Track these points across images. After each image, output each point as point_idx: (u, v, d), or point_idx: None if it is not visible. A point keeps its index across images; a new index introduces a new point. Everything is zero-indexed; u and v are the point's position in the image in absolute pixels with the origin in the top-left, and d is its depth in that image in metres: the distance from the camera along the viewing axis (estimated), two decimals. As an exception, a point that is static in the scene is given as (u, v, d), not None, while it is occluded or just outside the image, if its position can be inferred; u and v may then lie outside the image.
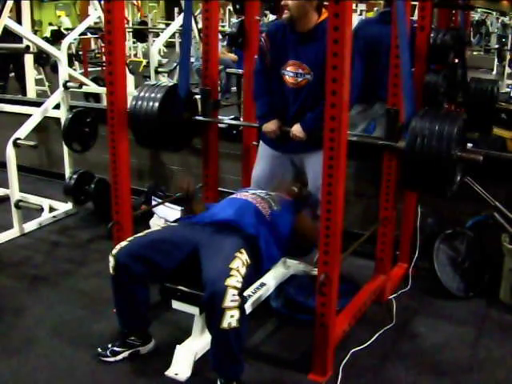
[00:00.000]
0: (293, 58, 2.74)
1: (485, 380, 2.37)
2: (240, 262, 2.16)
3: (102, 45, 9.44)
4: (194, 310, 2.31)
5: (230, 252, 2.19)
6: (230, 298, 2.04)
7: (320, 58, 2.64)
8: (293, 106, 2.79)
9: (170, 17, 16.50)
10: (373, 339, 2.57)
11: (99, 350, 2.46)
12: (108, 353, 2.45)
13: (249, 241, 2.30)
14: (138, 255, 2.27)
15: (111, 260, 2.29)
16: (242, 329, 2.10)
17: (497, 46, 11.05)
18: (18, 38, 4.38)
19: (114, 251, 2.30)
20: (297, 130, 2.72)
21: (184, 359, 2.34)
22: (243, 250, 2.22)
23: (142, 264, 2.27)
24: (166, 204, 3.81)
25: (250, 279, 2.25)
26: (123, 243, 2.33)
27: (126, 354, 2.46)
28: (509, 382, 2.38)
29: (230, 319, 2.05)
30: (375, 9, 11.35)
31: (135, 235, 2.39)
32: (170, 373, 2.33)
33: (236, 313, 2.06)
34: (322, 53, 2.62)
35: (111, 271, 2.31)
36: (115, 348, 2.46)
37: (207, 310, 2.15)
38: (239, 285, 2.09)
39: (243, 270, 2.14)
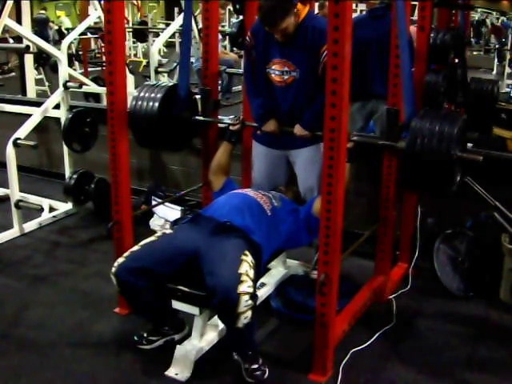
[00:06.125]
0: (277, 57, 2.71)
1: (485, 380, 2.37)
2: (247, 265, 2.16)
3: (102, 45, 9.45)
4: (194, 310, 2.32)
5: (236, 256, 2.19)
6: (244, 304, 2.07)
7: (305, 55, 2.64)
8: (283, 104, 2.77)
9: (170, 17, 16.46)
10: (373, 339, 2.56)
11: (135, 338, 2.49)
12: (144, 341, 2.48)
13: (250, 241, 2.30)
14: (138, 270, 2.27)
15: (112, 278, 2.30)
16: (254, 319, 2.15)
17: (497, 46, 11.05)
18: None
19: (113, 269, 2.30)
20: (299, 130, 2.71)
21: (184, 359, 2.34)
22: (247, 252, 2.22)
23: (143, 277, 2.27)
24: (166, 204, 3.82)
25: (256, 279, 2.26)
26: (120, 260, 2.31)
27: (161, 341, 2.50)
28: (509, 381, 2.38)
29: (244, 320, 2.09)
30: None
31: (131, 249, 2.37)
32: (170, 373, 2.33)
33: (249, 313, 2.10)
34: (306, 50, 2.63)
35: (116, 287, 2.33)
36: (150, 337, 2.49)
37: (220, 313, 2.19)
38: (251, 289, 2.11)
39: (251, 273, 2.15)
